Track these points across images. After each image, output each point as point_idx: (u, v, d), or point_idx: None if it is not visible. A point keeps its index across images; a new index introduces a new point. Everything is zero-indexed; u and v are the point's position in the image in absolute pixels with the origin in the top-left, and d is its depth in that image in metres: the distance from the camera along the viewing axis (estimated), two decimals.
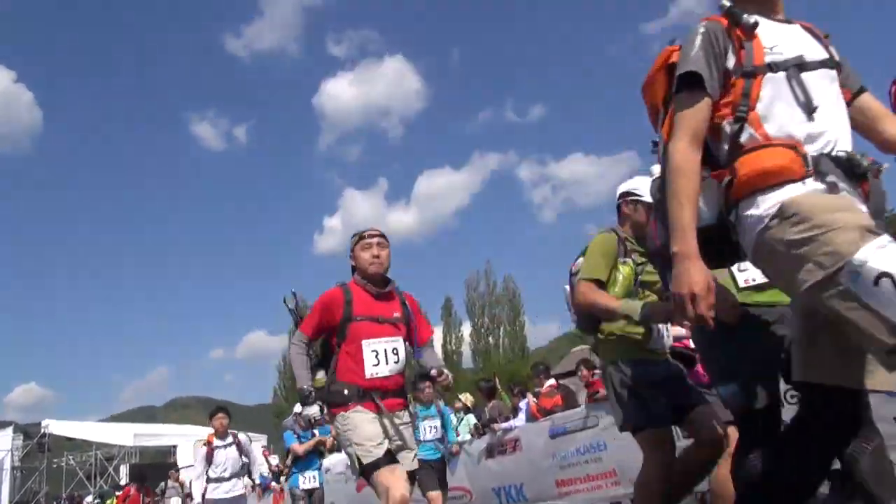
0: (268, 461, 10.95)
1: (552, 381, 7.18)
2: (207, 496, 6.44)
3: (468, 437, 7.78)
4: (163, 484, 14.24)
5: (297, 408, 7.20)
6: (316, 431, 6.95)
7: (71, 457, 28.87)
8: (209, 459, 6.55)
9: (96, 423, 35.01)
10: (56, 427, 27.18)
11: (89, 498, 23.39)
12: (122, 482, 25.90)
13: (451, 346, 43.12)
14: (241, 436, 6.87)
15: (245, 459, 6.76)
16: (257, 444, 19.79)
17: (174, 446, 27.59)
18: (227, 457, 6.57)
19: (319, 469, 7.35)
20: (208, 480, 6.49)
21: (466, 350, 42.87)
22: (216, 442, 6.62)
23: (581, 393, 7.31)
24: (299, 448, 7.06)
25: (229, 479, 6.53)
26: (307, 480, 7.06)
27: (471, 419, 8.21)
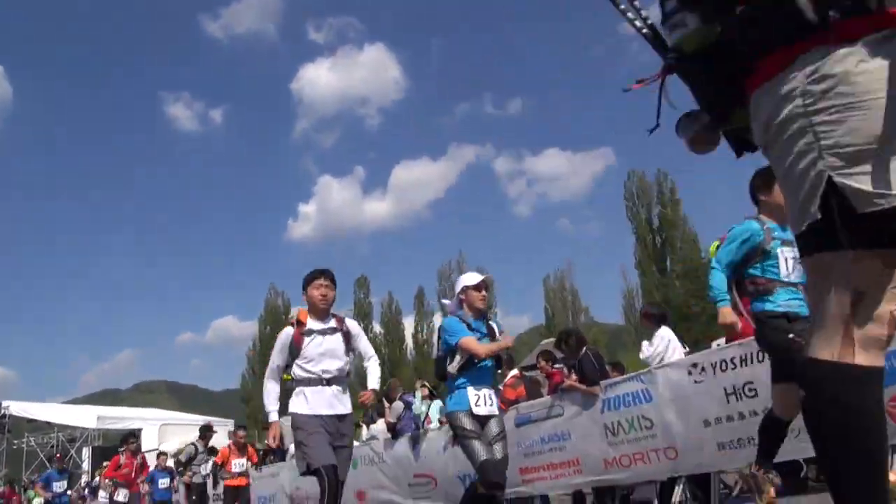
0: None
1: (515, 372, 7.26)
2: (298, 410, 4.01)
3: (437, 423, 7.86)
4: (192, 448, 11.61)
5: (467, 277, 4.34)
6: (495, 325, 4.38)
7: (32, 438, 28.41)
8: (295, 350, 4.09)
9: (59, 404, 34.43)
10: (16, 408, 26.69)
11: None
12: (85, 465, 25.58)
13: (423, 336, 43.27)
14: (350, 321, 4.39)
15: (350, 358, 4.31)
16: (224, 428, 19.61)
17: (139, 430, 27.23)
18: (327, 347, 4.11)
19: (496, 390, 4.47)
20: (295, 382, 4.12)
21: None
22: (311, 323, 4.15)
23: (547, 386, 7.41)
24: (481, 348, 4.05)
25: (329, 382, 4.07)
26: (483, 401, 4.05)
27: (439, 405, 8.28)
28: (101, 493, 14.85)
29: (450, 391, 4.20)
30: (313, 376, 4.05)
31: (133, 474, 10.76)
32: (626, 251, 38.51)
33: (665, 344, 5.98)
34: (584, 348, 6.24)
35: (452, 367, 4.12)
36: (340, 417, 4.08)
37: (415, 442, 7.79)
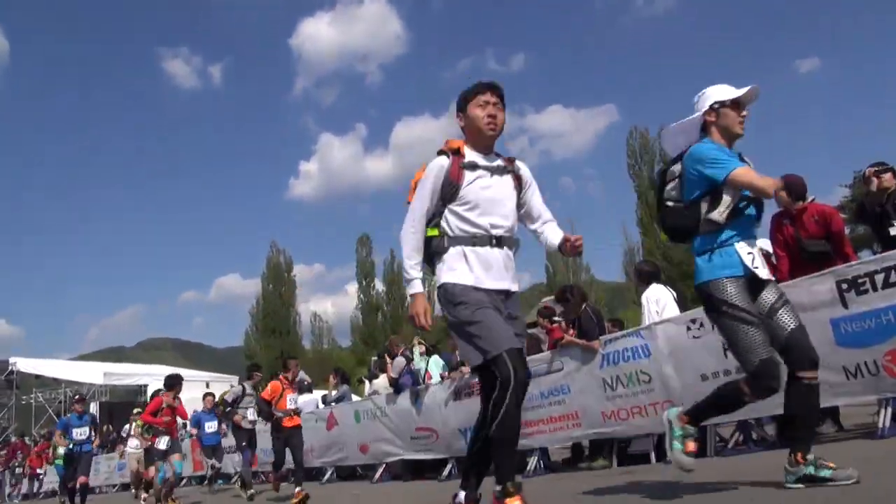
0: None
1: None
2: (454, 279, 2.81)
3: (439, 378, 7.96)
4: (239, 388, 10.15)
5: (719, 90, 3.00)
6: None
7: (40, 394, 28.89)
8: (451, 189, 2.86)
9: (65, 361, 34.93)
10: (24, 364, 27.10)
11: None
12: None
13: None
14: (521, 163, 3.11)
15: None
16: (227, 385, 19.85)
17: (144, 385, 27.64)
18: (497, 192, 2.92)
19: None
20: (448, 239, 2.88)
21: None
22: (472, 155, 2.95)
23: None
24: (766, 181, 2.86)
25: (500, 243, 2.88)
26: (759, 261, 2.95)
27: (439, 360, 8.39)
28: (132, 442, 13.31)
29: (704, 250, 2.95)
30: (479, 231, 2.84)
31: (173, 420, 9.18)
32: (629, 209, 38.38)
33: (655, 307, 5.92)
34: (584, 305, 6.29)
35: (719, 215, 2.89)
36: (508, 294, 2.90)
37: (416, 396, 7.91)
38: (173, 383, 9.30)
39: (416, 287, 2.86)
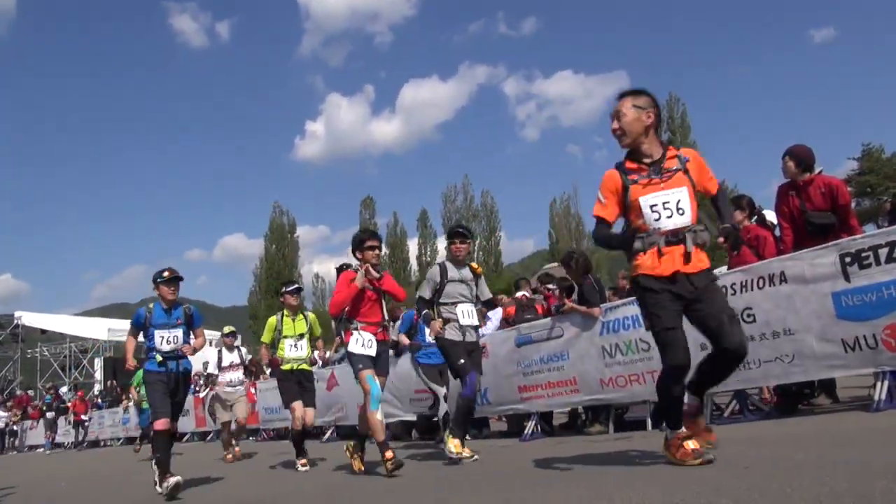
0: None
1: (523, 292, 7.39)
2: None
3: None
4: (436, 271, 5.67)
5: None
6: None
7: (45, 348, 29.22)
8: None
9: (70, 316, 35.20)
10: (29, 318, 27.32)
11: (64, 388, 23.87)
12: (97, 375, 26.24)
13: (426, 258, 43.59)
14: None
15: None
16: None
17: None
18: None
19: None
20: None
21: None
22: None
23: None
24: None
25: None
26: None
27: None
28: (230, 376, 8.50)
29: None
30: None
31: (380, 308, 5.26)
32: None
33: None
34: (588, 274, 6.28)
35: None
36: None
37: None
38: (364, 238, 5.28)
39: None
